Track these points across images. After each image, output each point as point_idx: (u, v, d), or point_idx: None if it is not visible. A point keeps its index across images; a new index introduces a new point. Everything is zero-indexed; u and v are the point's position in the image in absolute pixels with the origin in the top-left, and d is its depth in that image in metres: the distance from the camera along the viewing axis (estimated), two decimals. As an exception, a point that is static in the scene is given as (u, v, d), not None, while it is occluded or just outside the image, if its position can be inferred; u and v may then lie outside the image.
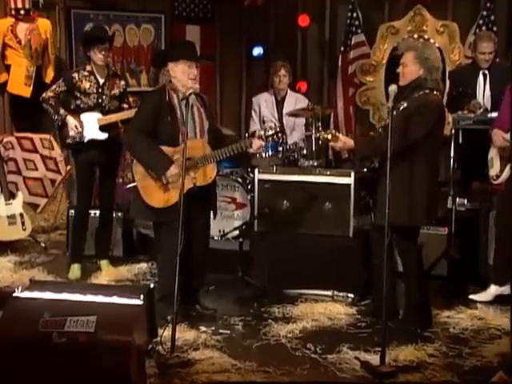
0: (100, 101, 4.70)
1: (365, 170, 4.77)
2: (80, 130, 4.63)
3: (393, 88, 3.56)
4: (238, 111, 7.04)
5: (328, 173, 4.66)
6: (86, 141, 4.68)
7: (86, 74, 4.69)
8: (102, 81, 4.71)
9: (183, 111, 3.75)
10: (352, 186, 4.51)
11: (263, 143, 3.93)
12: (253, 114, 5.94)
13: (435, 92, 3.74)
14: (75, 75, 4.69)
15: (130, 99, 4.95)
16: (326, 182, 4.58)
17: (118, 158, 5.00)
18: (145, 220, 4.64)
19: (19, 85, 6.09)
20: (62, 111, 4.65)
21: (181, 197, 3.52)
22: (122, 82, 4.85)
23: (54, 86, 4.76)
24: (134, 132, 3.87)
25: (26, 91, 6.08)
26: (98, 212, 5.06)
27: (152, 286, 3.08)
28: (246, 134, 5.54)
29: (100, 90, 4.70)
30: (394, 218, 3.44)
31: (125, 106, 4.83)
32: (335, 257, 4.45)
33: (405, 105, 3.71)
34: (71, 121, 4.64)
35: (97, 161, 4.77)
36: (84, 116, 4.67)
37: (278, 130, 3.93)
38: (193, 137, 3.81)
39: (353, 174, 4.52)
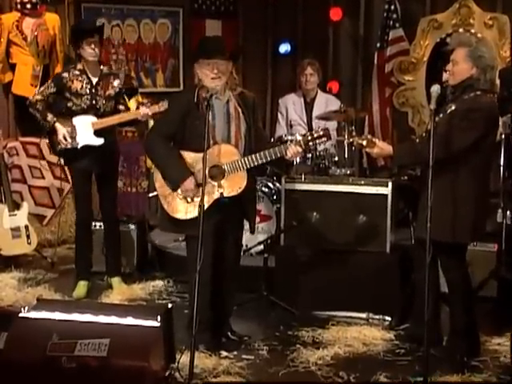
0: (94, 102, 4.70)
1: (405, 177, 4.75)
2: (70, 141, 4.63)
3: (435, 88, 3.54)
4: (263, 114, 7.04)
5: (362, 182, 4.66)
6: (79, 147, 4.68)
7: (77, 73, 4.69)
8: (95, 80, 4.71)
9: (215, 113, 3.75)
10: (389, 197, 4.50)
11: (300, 149, 3.76)
12: (279, 117, 5.96)
13: (489, 94, 3.71)
14: (65, 75, 4.70)
15: (145, 100, 4.98)
16: (360, 192, 4.57)
17: (115, 165, 5.01)
18: (173, 233, 4.61)
19: (25, 85, 6.16)
20: (49, 117, 4.65)
21: (201, 208, 3.50)
22: (118, 81, 4.84)
23: (42, 88, 4.78)
24: (153, 135, 3.89)
25: (32, 92, 6.10)
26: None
27: (170, 305, 3.10)
28: (272, 140, 5.59)
29: (93, 91, 4.70)
30: (436, 234, 3.42)
31: (121, 107, 4.84)
32: (370, 275, 4.44)
33: (453, 107, 3.68)
34: (60, 129, 4.63)
35: (93, 169, 4.78)
36: (77, 120, 4.67)
37: (321, 134, 3.76)
38: (224, 141, 3.79)
39: (390, 184, 4.51)
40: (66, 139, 4.64)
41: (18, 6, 6.16)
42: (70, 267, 5.44)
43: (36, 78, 6.16)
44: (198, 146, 3.69)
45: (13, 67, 6.24)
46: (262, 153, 3.73)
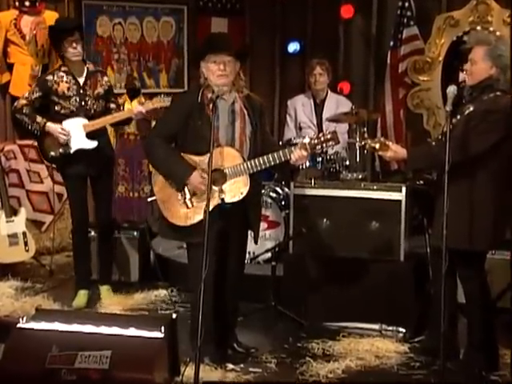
0: (83, 103, 4.70)
1: (421, 182, 4.74)
2: (68, 131, 4.63)
3: (452, 89, 3.55)
4: (271, 116, 7.06)
5: (375, 187, 4.66)
6: (72, 152, 4.67)
7: (61, 74, 4.69)
8: (81, 80, 4.72)
9: (218, 114, 3.72)
10: (403, 203, 4.49)
11: (305, 153, 3.73)
12: (288, 119, 5.97)
13: (509, 95, 3.69)
14: (50, 77, 4.71)
15: (147, 101, 4.98)
16: (372, 197, 4.57)
17: (111, 167, 5.02)
18: (173, 240, 4.61)
19: (23, 86, 6.17)
20: (39, 119, 4.65)
21: (206, 214, 3.49)
22: (106, 78, 4.84)
23: (26, 93, 4.79)
24: (153, 137, 3.90)
25: (31, 93, 6.18)
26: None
27: (174, 316, 3.10)
28: (280, 143, 5.60)
29: (81, 91, 4.70)
30: (452, 241, 3.42)
31: (112, 105, 4.84)
32: (383, 284, 4.43)
33: (471, 108, 3.68)
34: (53, 126, 4.63)
35: (87, 173, 4.79)
36: (67, 123, 4.66)
37: (328, 137, 3.73)
38: (229, 143, 3.77)
39: (404, 189, 4.51)
40: (64, 130, 4.61)
41: (17, 4, 6.19)
42: (70, 275, 5.46)
43: (35, 78, 6.14)
44: (199, 149, 3.70)
45: (10, 67, 6.26)
46: (265, 157, 3.72)
